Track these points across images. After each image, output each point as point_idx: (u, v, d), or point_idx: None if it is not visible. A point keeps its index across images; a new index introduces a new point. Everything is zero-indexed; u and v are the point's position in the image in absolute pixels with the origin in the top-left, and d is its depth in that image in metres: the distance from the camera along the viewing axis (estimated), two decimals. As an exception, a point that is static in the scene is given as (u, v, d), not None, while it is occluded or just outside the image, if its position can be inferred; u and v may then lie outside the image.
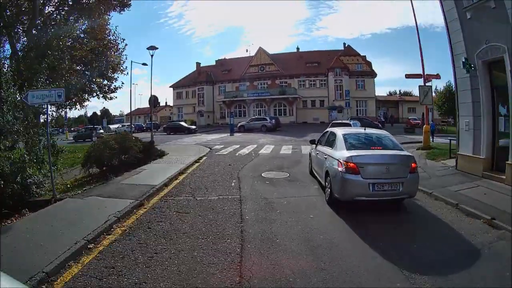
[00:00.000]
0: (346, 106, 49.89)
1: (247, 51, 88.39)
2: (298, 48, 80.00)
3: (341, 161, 7.81)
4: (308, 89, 68.77)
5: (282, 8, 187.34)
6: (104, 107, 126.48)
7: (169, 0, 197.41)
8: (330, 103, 65.37)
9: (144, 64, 29.27)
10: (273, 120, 45.92)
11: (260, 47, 75.39)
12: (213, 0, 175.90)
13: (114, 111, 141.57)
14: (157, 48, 21.90)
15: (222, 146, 24.03)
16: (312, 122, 64.20)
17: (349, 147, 8.27)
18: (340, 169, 7.76)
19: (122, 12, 23.49)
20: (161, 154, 17.93)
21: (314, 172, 11.47)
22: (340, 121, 29.95)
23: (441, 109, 71.93)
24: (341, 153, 8.12)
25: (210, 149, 22.12)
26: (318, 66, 69.48)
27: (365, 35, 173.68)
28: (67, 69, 19.19)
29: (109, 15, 23.48)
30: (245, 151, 20.43)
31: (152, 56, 22.04)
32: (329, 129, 10.85)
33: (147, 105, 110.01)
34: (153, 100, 21.41)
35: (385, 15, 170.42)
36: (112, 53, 21.77)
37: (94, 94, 21.69)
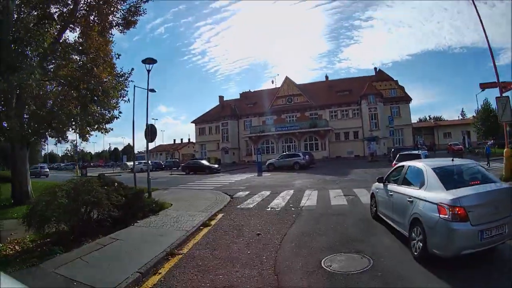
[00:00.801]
0: (390, 135, 44.70)
1: (272, 82, 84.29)
2: (327, 77, 75.66)
3: (443, 205, 6.00)
4: (340, 120, 63.97)
5: (304, 42, 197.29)
6: (129, 143, 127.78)
7: (192, 38, 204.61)
8: (366, 133, 59.92)
9: (151, 90, 24.45)
10: (307, 156, 40.22)
11: (286, 76, 71.47)
12: (234, 37, 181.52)
13: (140, 147, 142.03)
14: (155, 62, 17.19)
15: (247, 192, 18.61)
16: (346, 156, 60.23)
17: (447, 185, 6.48)
18: (442, 216, 5.95)
19: (124, 32, 18.74)
20: (157, 208, 13.01)
21: (382, 216, 9.39)
22: (409, 152, 24.99)
23: (480, 131, 67.31)
24: (439, 194, 6.34)
25: (231, 197, 16.92)
26: (350, 94, 65.07)
27: (386, 64, 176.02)
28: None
29: (111, 34, 18.69)
30: (279, 202, 14.71)
31: (149, 71, 17.33)
32: (404, 163, 8.91)
33: (169, 141, 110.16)
34: (150, 130, 16.10)
35: (405, 42, 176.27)
36: (105, 73, 16.78)
37: (85, 124, 16.76)
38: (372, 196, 10.56)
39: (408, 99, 63.88)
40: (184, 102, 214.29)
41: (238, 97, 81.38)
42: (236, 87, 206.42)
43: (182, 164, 49.50)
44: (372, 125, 59.47)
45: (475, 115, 70.30)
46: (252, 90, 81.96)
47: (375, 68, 72.36)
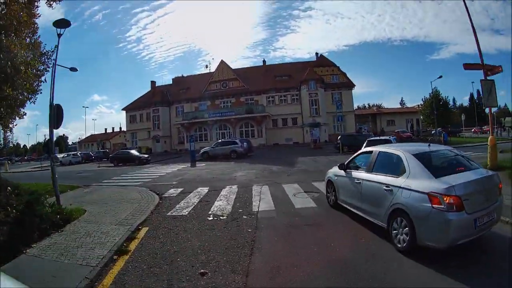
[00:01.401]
0: (339, 120, 42.32)
1: (207, 67, 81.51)
2: (264, 62, 72.95)
3: (436, 194, 5.70)
4: (279, 106, 61.79)
5: (240, 30, 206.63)
6: (64, 134, 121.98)
7: (129, 25, 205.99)
8: (305, 120, 58.35)
9: (72, 69, 20.42)
10: (245, 144, 37.06)
11: (222, 60, 67.73)
12: (170, 24, 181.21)
13: (74, 137, 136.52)
14: (69, 25, 13.50)
15: (180, 190, 15.13)
16: (285, 143, 58.01)
17: (434, 173, 6.17)
18: (435, 206, 5.67)
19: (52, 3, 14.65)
20: (62, 222, 9.23)
21: (346, 206, 8.93)
22: (378, 138, 26.33)
23: (428, 118, 68.25)
24: (427, 183, 6.00)
25: (161, 197, 13.49)
26: (289, 79, 63.07)
27: (322, 53, 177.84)
28: None
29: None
30: (223, 205, 11.20)
31: (59, 35, 13.39)
32: (372, 148, 8.40)
33: (101, 131, 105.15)
34: (55, 112, 12.06)
35: (342, 33, 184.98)
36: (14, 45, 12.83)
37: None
38: (329, 183, 10.21)
39: (351, 85, 63.02)
40: (119, 90, 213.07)
41: (171, 82, 76.86)
42: (170, 75, 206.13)
43: (110, 155, 45.09)
44: (312, 111, 57.88)
45: (422, 103, 71.49)
46: (185, 75, 77.82)
47: (316, 54, 71.05)
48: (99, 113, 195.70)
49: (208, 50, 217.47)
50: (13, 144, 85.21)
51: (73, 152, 61.20)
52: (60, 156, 55.60)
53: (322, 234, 7.64)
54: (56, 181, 11.97)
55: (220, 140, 41.66)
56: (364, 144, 19.13)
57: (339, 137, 36.68)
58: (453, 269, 5.31)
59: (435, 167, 6.59)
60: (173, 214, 10.39)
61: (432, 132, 57.78)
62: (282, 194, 12.49)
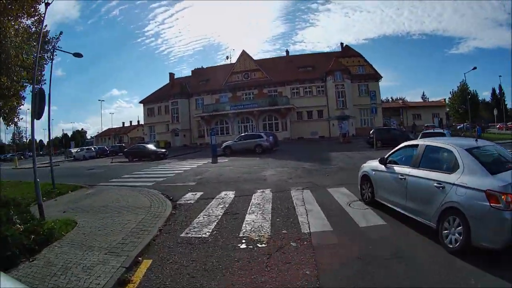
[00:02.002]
0: (373, 112, 37.61)
1: (227, 58, 78.21)
2: (287, 52, 69.94)
3: (494, 192, 5.32)
4: (303, 98, 58.64)
5: (259, 24, 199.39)
6: (82, 128, 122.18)
7: (146, 20, 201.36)
8: (331, 112, 55.27)
9: (77, 55, 18.09)
10: (271, 137, 33.91)
11: (243, 50, 64.81)
12: (188, 18, 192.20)
13: (93, 132, 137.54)
14: None
15: (199, 194, 12.24)
16: (310, 137, 54.86)
17: (490, 169, 5.86)
18: (493, 205, 5.28)
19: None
20: (35, 247, 6.69)
21: (386, 203, 8.39)
22: (433, 131, 25.04)
23: (456, 113, 65.26)
24: (484, 180, 5.65)
25: (175, 206, 10.61)
26: (313, 70, 59.78)
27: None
28: None
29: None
30: (258, 220, 8.35)
31: (47, 4, 10.97)
32: (418, 142, 8.34)
33: (119, 125, 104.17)
34: (38, 97, 9.24)
35: (361, 26, 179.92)
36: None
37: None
38: (365, 178, 9.67)
39: (377, 77, 59.73)
40: (137, 85, 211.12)
41: (190, 74, 74.08)
42: (189, 69, 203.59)
43: (125, 150, 42.60)
44: (339, 103, 54.90)
45: (450, 97, 68.60)
46: (205, 67, 74.84)
47: (341, 44, 67.32)
48: (118, 108, 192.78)
49: (227, 44, 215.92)
50: (26, 139, 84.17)
51: (87, 147, 59.08)
52: (74, 150, 54.59)
53: (420, 276, 5.08)
54: (38, 185, 9.26)
55: (243, 134, 38.57)
56: (419, 137, 18.16)
57: (371, 131, 33.21)
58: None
59: (489, 163, 6.22)
60: (189, 235, 7.51)
61: (458, 127, 55.54)
62: (332, 203, 9.66)
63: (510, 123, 60.30)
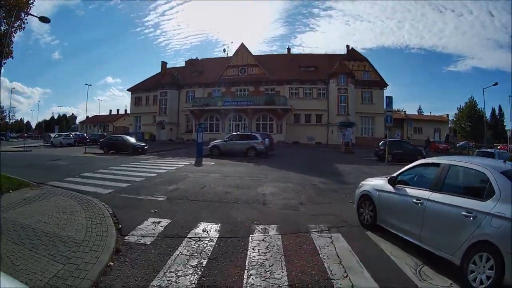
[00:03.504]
0: (388, 122, 30.60)
1: (224, 50, 73.78)
2: (289, 49, 65.30)
3: None
4: (303, 99, 54.37)
5: (259, 24, 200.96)
6: (73, 113, 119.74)
7: (147, 10, 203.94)
8: (331, 117, 51.48)
9: (42, 18, 15.15)
10: (266, 140, 29.28)
11: (242, 43, 60.33)
12: (189, 12, 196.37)
13: (84, 117, 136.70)
14: None
15: (164, 224, 7.87)
16: (306, 142, 50.93)
17: None
18: None
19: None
20: None
21: (394, 231, 7.23)
22: (485, 150, 25.53)
23: (463, 130, 63.13)
24: None
25: (118, 250, 6.18)
26: (316, 71, 55.58)
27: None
28: None
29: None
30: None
31: None
32: (439, 161, 6.91)
33: (105, 112, 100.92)
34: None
35: (360, 35, 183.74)
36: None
37: None
38: (365, 198, 8.46)
39: (383, 85, 55.79)
40: (132, 74, 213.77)
41: (184, 65, 69.77)
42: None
43: (101, 140, 38.14)
44: (341, 109, 50.82)
45: (456, 112, 66.93)
46: (200, 58, 70.13)
47: (347, 46, 62.90)
48: (111, 96, 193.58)
49: (225, 41, 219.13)
50: (10, 119, 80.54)
51: (65, 133, 54.83)
52: (52, 135, 50.69)
53: None
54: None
55: (235, 133, 34.08)
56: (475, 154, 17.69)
57: (380, 142, 29.51)
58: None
59: None
60: None
61: (458, 144, 53.39)
62: (391, 270, 5.78)
63: (505, 144, 60.71)
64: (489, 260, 4.96)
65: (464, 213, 5.50)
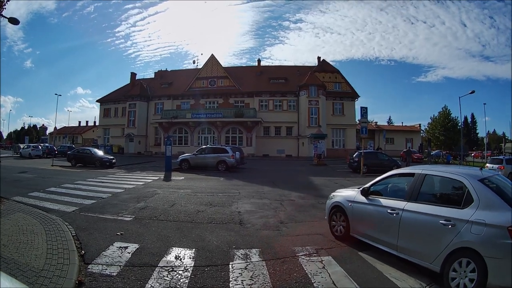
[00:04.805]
0: (364, 133, 28.86)
1: (194, 62, 72.79)
2: (259, 61, 64.88)
3: None
4: (272, 112, 54.17)
5: (228, 37, 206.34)
6: (43, 124, 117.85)
7: (119, 20, 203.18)
8: (302, 130, 51.32)
9: (12, 20, 14.11)
10: (237, 153, 28.64)
11: (212, 54, 59.83)
12: (159, 24, 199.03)
13: (57, 127, 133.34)
14: None
15: (132, 250, 7.00)
16: (276, 155, 50.79)
17: (509, 202, 5.30)
18: None
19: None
20: None
21: (368, 241, 7.29)
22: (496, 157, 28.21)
23: (437, 139, 64.12)
24: (504, 215, 5.05)
25: (80, 283, 5.35)
26: (286, 83, 55.84)
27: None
28: None
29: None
30: None
31: None
32: (415, 171, 6.89)
33: (75, 124, 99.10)
34: None
35: (330, 47, 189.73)
36: None
37: None
38: (336, 209, 8.43)
39: (354, 96, 56.30)
40: (102, 85, 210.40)
41: (153, 76, 68.88)
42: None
43: (68, 153, 36.56)
44: (311, 121, 50.57)
45: (429, 122, 68.11)
46: (169, 70, 69.59)
47: (319, 58, 63.30)
48: (81, 107, 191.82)
49: (195, 53, 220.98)
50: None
51: (33, 144, 53.45)
52: (22, 146, 50.67)
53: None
54: None
55: (205, 146, 32.99)
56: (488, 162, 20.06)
57: (354, 154, 29.09)
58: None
59: (503, 195, 5.52)
60: None
61: (432, 153, 53.02)
62: None
63: (479, 151, 63.96)
64: (470, 264, 5.12)
65: (442, 221, 5.62)
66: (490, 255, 4.88)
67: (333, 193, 9.09)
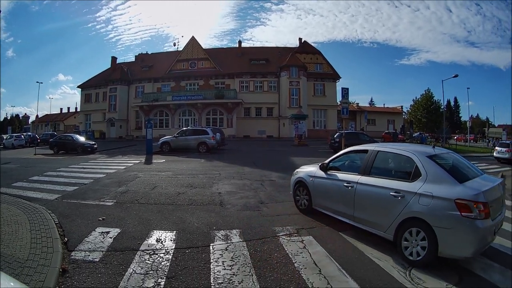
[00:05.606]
0: (344, 114, 28.84)
1: (175, 45, 72.25)
2: (240, 42, 64.69)
3: (465, 202, 5.16)
4: (253, 93, 54.05)
5: (210, 18, 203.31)
6: (26, 113, 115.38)
7: (100, 4, 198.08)
8: (282, 110, 51.53)
9: None
10: (218, 135, 29.00)
11: (193, 36, 59.58)
12: (140, 7, 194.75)
13: (39, 115, 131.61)
14: None
15: (114, 235, 7.06)
16: (257, 136, 50.93)
17: (456, 177, 5.69)
18: (464, 214, 5.12)
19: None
20: None
21: (328, 212, 7.86)
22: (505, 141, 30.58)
23: (420, 122, 64.52)
24: (452, 188, 5.46)
25: (64, 270, 5.34)
26: (267, 64, 55.45)
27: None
28: None
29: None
30: None
31: None
32: (366, 147, 7.47)
33: (56, 111, 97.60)
34: None
35: (312, 29, 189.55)
36: None
37: None
38: (300, 184, 8.93)
39: (335, 77, 56.63)
40: (83, 71, 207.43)
41: (134, 60, 68.14)
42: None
43: (50, 140, 36.09)
44: (292, 101, 50.81)
45: (412, 104, 68.62)
46: (150, 53, 68.82)
47: (300, 39, 63.21)
48: (63, 94, 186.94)
49: (176, 36, 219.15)
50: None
51: (16, 134, 52.12)
52: (5, 137, 48.65)
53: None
54: None
55: (185, 128, 33.03)
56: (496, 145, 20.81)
57: (335, 134, 29.26)
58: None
59: (453, 171, 5.97)
60: None
61: (413, 135, 54.08)
62: (377, 275, 5.34)
63: (462, 135, 64.07)
64: (420, 233, 5.52)
65: (392, 193, 6.00)
66: (439, 225, 5.27)
67: (297, 170, 9.46)
